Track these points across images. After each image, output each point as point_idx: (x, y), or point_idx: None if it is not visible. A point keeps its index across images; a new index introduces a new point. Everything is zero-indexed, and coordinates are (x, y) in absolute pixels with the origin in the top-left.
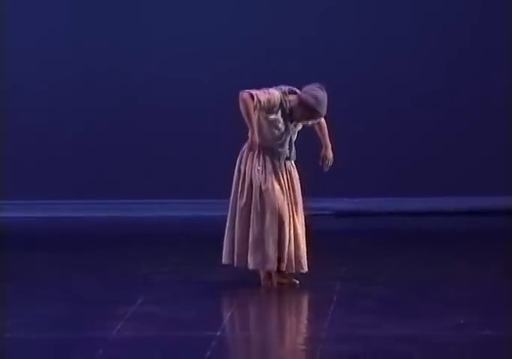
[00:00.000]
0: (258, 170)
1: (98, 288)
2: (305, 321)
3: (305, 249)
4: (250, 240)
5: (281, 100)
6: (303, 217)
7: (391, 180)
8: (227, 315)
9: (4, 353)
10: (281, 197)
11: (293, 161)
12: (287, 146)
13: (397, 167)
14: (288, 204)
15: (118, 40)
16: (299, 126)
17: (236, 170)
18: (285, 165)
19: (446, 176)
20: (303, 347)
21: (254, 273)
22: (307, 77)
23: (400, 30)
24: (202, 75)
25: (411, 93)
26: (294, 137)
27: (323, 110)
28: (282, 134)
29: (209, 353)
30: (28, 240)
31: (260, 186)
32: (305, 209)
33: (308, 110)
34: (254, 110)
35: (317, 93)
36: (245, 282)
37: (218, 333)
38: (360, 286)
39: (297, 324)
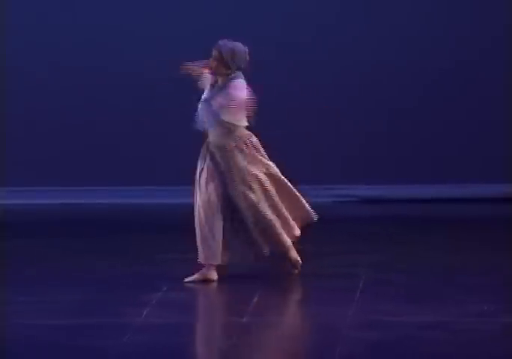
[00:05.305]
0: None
1: (117, 274)
2: (331, 308)
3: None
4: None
5: None
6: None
7: (416, 167)
8: (252, 302)
9: (28, 338)
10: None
11: None
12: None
13: (421, 155)
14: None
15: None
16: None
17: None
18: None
19: (468, 163)
20: (328, 334)
21: (275, 260)
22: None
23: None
24: None
25: (429, 88)
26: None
27: None
28: None
29: (234, 339)
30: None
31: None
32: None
33: None
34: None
35: None
36: (267, 268)
37: (244, 319)
38: (386, 273)
39: (322, 310)
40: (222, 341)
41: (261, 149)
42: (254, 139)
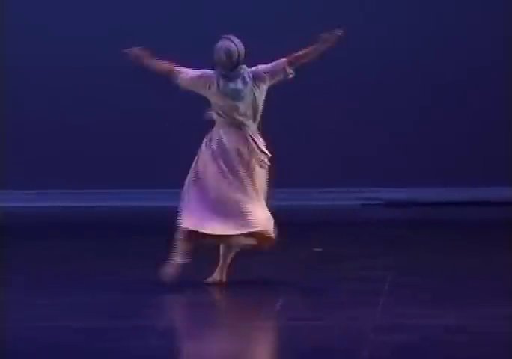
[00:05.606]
0: None
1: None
2: (356, 311)
3: None
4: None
5: None
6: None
7: (441, 171)
8: (276, 305)
9: (52, 339)
10: None
11: None
12: None
13: (446, 159)
14: None
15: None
16: None
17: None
18: None
19: (491, 167)
20: (355, 337)
21: (297, 260)
22: None
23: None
24: None
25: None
26: None
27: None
28: None
29: (260, 341)
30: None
31: None
32: None
33: None
34: None
35: None
36: (288, 269)
37: (271, 323)
38: (410, 276)
39: (348, 313)
40: (249, 344)
41: (226, 154)
42: (224, 139)
